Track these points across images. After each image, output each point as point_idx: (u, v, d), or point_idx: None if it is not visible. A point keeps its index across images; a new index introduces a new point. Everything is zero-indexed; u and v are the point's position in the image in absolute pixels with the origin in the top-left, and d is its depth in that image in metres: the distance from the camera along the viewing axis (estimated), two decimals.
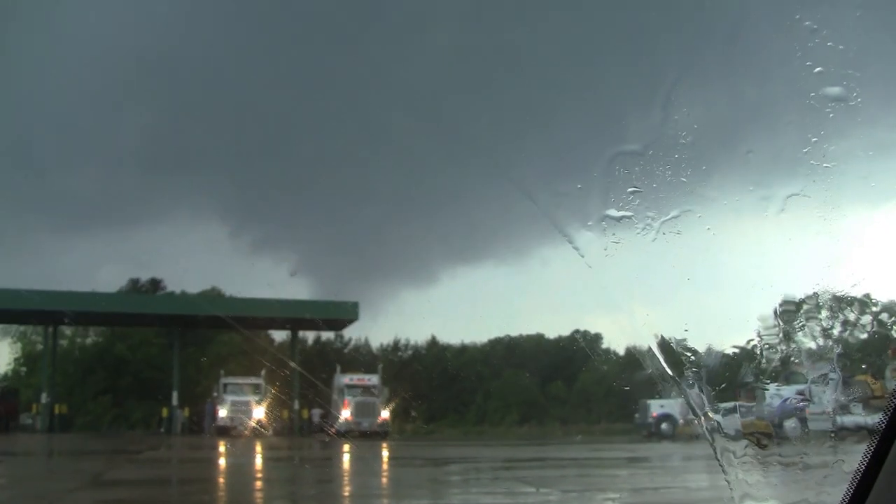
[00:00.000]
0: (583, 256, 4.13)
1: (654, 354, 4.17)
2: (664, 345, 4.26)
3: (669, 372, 4.31)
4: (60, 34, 75.69)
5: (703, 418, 6.25)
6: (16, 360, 72.01)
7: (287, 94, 72.08)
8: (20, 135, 73.75)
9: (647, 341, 4.20)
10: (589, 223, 4.55)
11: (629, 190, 4.90)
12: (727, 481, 3.97)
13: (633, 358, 4.17)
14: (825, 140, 5.14)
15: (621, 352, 75.58)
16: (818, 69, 4.71)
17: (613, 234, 4.80)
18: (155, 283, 71.70)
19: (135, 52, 75.13)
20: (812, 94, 4.74)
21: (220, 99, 75.53)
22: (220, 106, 74.92)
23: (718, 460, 4.10)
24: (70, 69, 75.11)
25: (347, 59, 69.14)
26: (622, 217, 4.80)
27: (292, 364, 56.64)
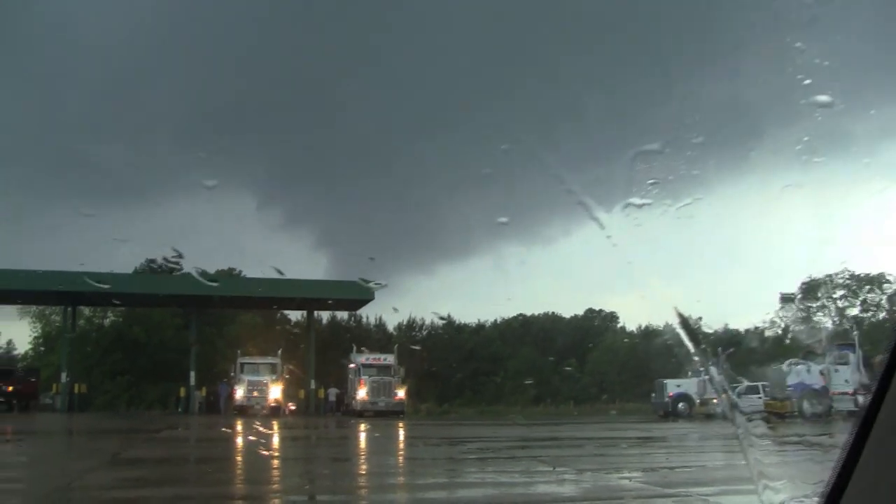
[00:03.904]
0: (609, 237, 4.44)
1: (674, 330, 4.28)
2: (685, 322, 4.42)
3: (691, 349, 4.44)
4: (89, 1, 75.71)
5: (723, 397, 6.57)
6: (35, 339, 72.41)
7: (318, 65, 72.07)
8: (46, 105, 73.63)
9: (666, 319, 4.38)
10: (614, 209, 4.98)
11: (649, 182, 5.46)
12: (745, 460, 3.98)
13: (651, 336, 4.28)
14: (815, 139, 6.06)
15: (636, 331, 75.89)
16: (807, 81, 5.46)
17: (636, 219, 5.30)
18: (171, 264, 71.62)
19: (167, 20, 75.18)
20: (802, 101, 5.45)
21: (252, 70, 75.56)
22: (251, 77, 74.83)
23: (738, 439, 4.12)
24: (99, 35, 75.08)
25: (382, 37, 69.26)
26: (643, 204, 5.31)
27: (308, 344, 56.87)
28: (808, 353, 44.67)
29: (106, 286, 42.85)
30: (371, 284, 37.21)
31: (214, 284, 48.98)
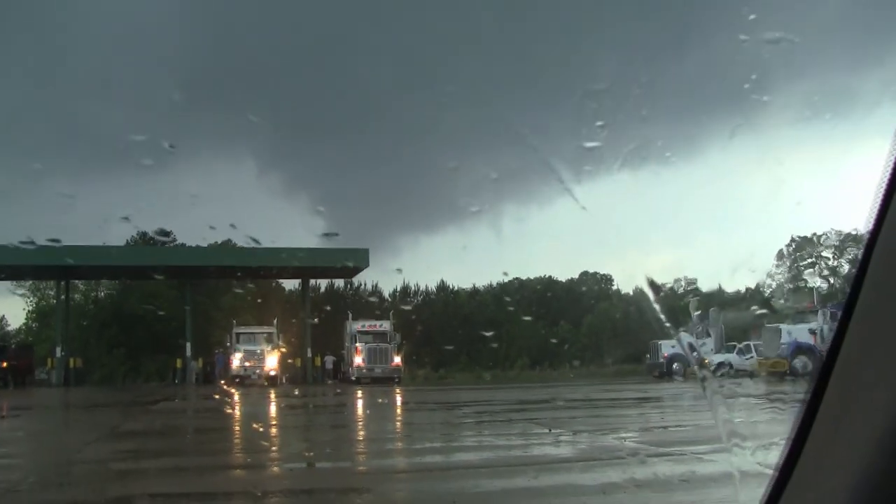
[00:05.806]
0: (570, 191, 4.35)
1: (646, 297, 4.20)
2: (656, 287, 4.33)
3: (661, 316, 4.35)
4: None
5: (697, 363, 6.52)
6: (28, 314, 72.21)
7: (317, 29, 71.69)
8: (39, 70, 72.83)
9: (642, 283, 4.28)
10: (565, 155, 4.86)
11: (597, 124, 5.27)
12: (714, 419, 4.00)
13: (643, 299, 4.16)
14: (763, 77, 5.74)
15: (632, 293, 76.18)
16: (752, 16, 5.28)
17: (586, 165, 5.09)
18: (164, 235, 70.78)
19: None
20: (747, 39, 5.30)
21: (254, 37, 75.00)
22: (253, 44, 74.08)
23: (708, 400, 4.13)
24: None
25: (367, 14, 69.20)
26: (593, 147, 5.09)
27: (303, 312, 56.93)
28: (799, 313, 44.94)
29: (70, 260, 42.91)
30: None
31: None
